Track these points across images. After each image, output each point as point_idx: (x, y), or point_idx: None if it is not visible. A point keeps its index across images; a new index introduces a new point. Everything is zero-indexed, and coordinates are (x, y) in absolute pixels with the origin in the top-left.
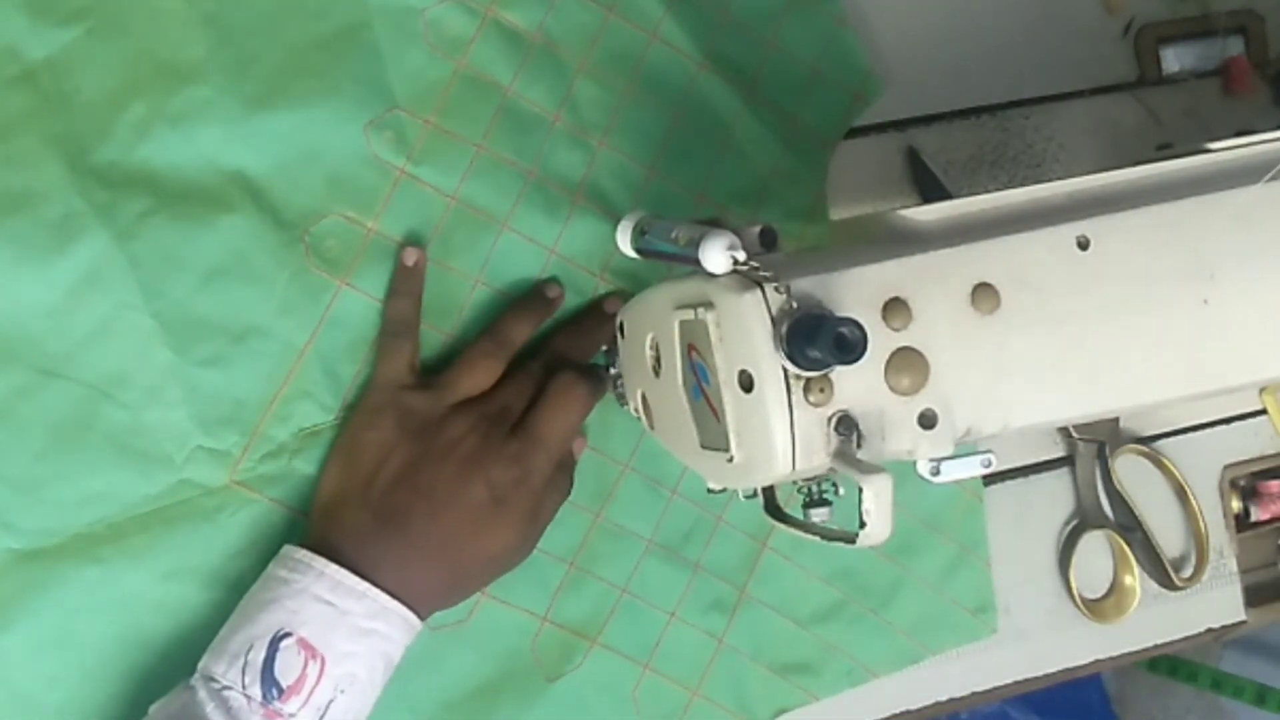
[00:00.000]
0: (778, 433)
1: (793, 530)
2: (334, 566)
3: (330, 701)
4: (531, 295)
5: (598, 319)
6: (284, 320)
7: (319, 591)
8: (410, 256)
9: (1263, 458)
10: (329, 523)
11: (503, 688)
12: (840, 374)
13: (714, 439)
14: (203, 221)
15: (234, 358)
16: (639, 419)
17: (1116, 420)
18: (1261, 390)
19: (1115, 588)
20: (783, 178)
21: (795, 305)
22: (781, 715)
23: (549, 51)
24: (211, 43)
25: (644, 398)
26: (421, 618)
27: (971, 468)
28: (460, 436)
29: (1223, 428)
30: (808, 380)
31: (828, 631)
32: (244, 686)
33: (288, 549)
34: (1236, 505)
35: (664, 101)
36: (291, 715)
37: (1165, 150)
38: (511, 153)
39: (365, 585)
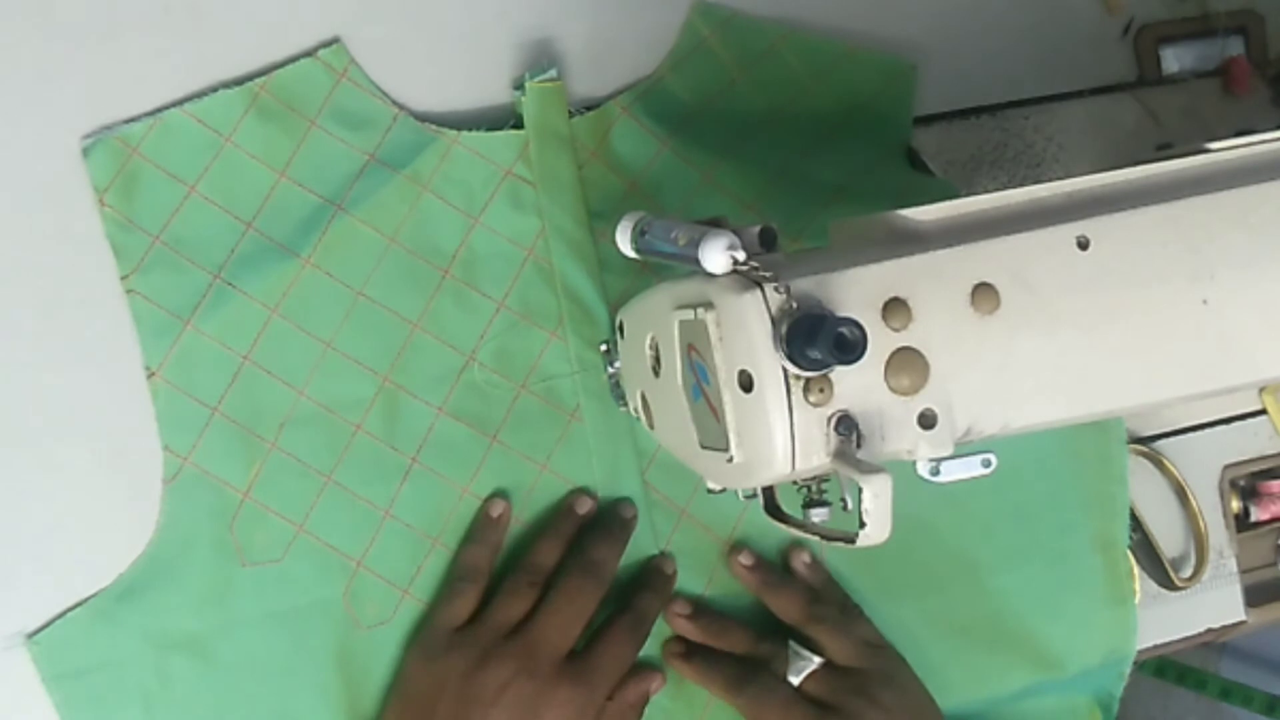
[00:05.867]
0: (778, 433)
1: (792, 530)
2: None
3: None
4: (560, 517)
5: (621, 524)
6: None
7: None
8: (496, 509)
9: (1263, 458)
10: None
11: None
12: (840, 374)
13: (714, 439)
14: None
15: None
16: (639, 419)
17: None
18: (1261, 390)
19: None
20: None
21: (795, 305)
22: None
23: None
24: None
25: (644, 398)
26: None
27: (971, 468)
28: (507, 680)
29: (1223, 428)
30: (807, 380)
31: None
32: None
33: None
34: (1236, 505)
35: None
36: None
37: (1165, 150)
38: None
39: None
